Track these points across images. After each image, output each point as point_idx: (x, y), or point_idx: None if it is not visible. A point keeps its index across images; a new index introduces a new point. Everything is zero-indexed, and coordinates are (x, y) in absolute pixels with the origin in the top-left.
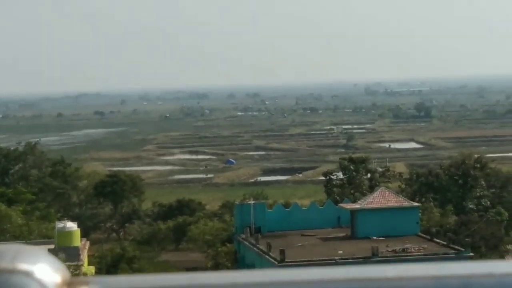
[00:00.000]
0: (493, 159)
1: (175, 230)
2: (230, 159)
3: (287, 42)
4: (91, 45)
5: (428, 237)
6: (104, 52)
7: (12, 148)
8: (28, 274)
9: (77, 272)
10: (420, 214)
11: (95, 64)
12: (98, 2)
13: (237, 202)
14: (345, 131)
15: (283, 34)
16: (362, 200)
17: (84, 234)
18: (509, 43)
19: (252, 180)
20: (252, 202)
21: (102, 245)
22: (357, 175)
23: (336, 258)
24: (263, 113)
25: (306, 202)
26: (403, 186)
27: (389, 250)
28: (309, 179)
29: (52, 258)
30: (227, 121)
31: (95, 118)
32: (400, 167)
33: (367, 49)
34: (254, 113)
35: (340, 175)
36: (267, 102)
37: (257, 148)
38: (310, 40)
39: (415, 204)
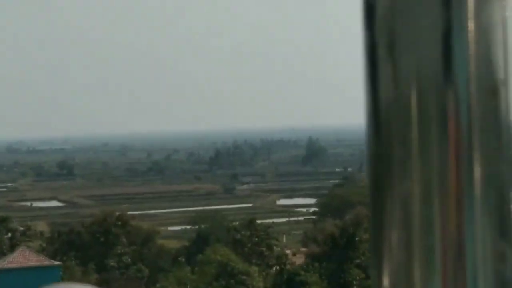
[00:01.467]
0: (134, 216)
1: None
2: None
3: None
4: None
5: None
6: None
7: None
8: None
9: None
10: (61, 273)
11: None
12: None
13: None
14: None
15: None
16: (2, 260)
17: None
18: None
19: None
20: None
21: None
22: None
23: None
24: None
25: None
26: (44, 245)
27: None
28: None
29: None
30: None
31: None
32: (42, 226)
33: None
34: None
35: None
36: None
37: None
38: None
39: (56, 263)
